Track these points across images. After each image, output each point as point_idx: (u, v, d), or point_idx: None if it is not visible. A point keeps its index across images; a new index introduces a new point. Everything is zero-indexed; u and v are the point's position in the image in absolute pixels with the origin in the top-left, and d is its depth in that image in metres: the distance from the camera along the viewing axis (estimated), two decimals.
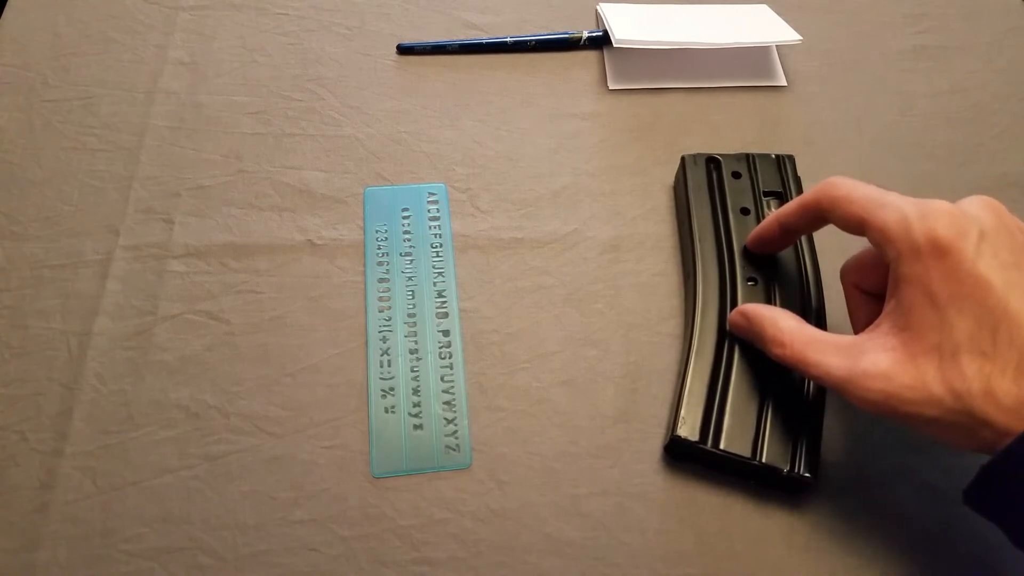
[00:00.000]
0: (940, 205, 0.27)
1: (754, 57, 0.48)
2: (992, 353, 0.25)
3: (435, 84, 0.46)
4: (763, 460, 0.32)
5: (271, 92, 0.45)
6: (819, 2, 0.52)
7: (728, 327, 0.35)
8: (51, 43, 0.47)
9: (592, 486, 0.34)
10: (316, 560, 0.32)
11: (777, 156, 0.41)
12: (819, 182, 0.32)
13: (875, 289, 0.32)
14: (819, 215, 0.32)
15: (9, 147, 0.42)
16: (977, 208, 0.28)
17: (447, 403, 0.35)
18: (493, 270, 0.39)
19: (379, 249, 0.40)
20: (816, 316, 0.36)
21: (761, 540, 0.33)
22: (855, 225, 0.30)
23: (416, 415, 0.35)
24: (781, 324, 0.31)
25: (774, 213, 0.35)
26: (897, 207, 0.28)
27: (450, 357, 0.37)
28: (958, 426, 0.26)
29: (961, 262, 0.26)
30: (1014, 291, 0.26)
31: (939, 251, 0.26)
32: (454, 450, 0.34)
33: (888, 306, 0.29)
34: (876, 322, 0.29)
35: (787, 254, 0.37)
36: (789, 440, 0.32)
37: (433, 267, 0.39)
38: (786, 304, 0.36)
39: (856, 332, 0.32)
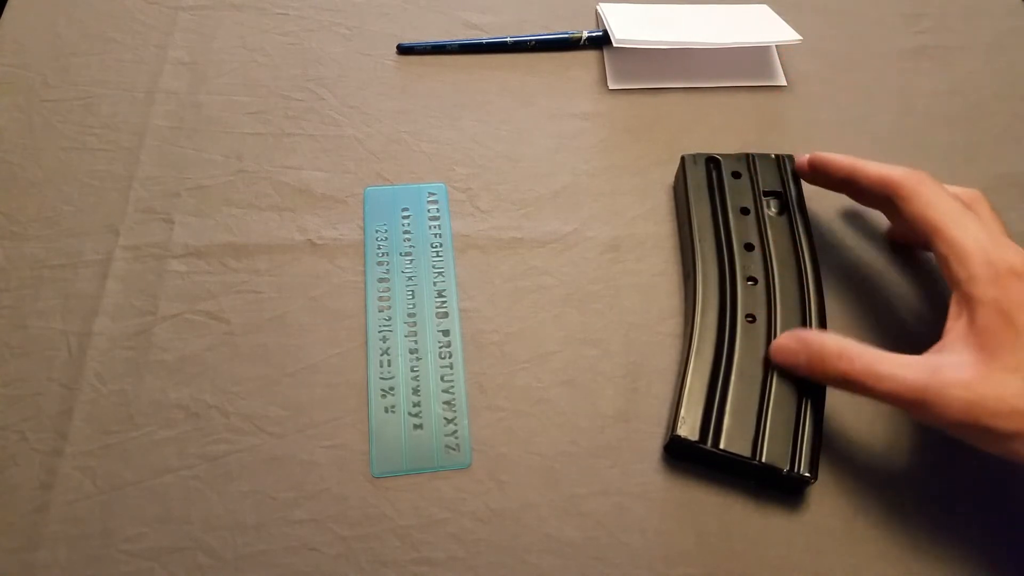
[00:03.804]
0: (1006, 239, 0.30)
1: (754, 57, 0.48)
2: None
3: (435, 84, 0.46)
4: (763, 460, 0.32)
5: (271, 92, 0.45)
6: (819, 2, 0.52)
7: (771, 355, 0.33)
8: (51, 43, 0.47)
9: (592, 486, 0.34)
10: (316, 560, 0.32)
11: (777, 156, 0.41)
12: (908, 166, 0.33)
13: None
14: (891, 196, 0.33)
15: (9, 147, 0.42)
16: None
17: (447, 403, 0.35)
18: (493, 270, 0.39)
19: (379, 249, 0.40)
20: (817, 316, 0.36)
21: (761, 540, 0.33)
22: (926, 228, 0.31)
23: (416, 415, 0.35)
24: (843, 341, 0.31)
25: (852, 160, 0.35)
26: (974, 230, 0.29)
27: (450, 357, 0.37)
28: None
29: None
30: None
31: (1017, 278, 0.28)
32: (454, 450, 0.34)
33: (957, 325, 0.29)
34: (942, 342, 0.30)
35: (787, 254, 0.37)
36: (789, 440, 0.32)
37: (433, 267, 0.39)
38: (786, 304, 0.36)
39: None
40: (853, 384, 0.30)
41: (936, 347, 0.30)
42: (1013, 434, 0.26)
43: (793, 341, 0.33)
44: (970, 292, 0.29)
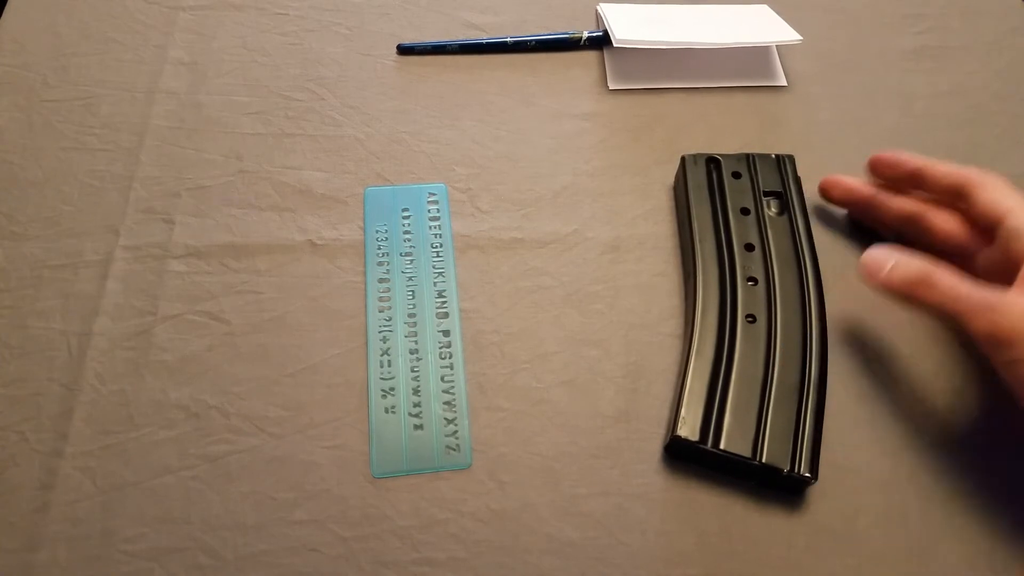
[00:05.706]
0: None
1: (754, 57, 0.48)
2: None
3: (435, 84, 0.46)
4: (763, 460, 0.32)
5: (271, 92, 0.45)
6: (819, 2, 0.52)
7: (860, 268, 0.35)
8: (51, 43, 0.47)
9: (592, 486, 0.34)
10: (316, 560, 0.32)
11: (777, 156, 0.41)
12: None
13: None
14: (963, 188, 0.35)
15: (9, 147, 0.42)
16: None
17: (447, 403, 0.35)
18: (493, 270, 0.39)
19: (379, 249, 0.40)
20: (817, 316, 0.36)
21: (761, 540, 0.33)
22: (997, 212, 0.34)
23: (416, 415, 0.35)
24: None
25: (918, 158, 0.38)
26: None
27: (450, 357, 0.37)
28: None
29: None
30: None
31: None
32: (454, 450, 0.34)
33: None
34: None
35: (787, 254, 0.37)
36: (789, 440, 0.32)
37: (433, 267, 0.39)
38: (786, 305, 0.36)
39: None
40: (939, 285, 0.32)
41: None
42: None
43: (884, 252, 0.34)
44: None
